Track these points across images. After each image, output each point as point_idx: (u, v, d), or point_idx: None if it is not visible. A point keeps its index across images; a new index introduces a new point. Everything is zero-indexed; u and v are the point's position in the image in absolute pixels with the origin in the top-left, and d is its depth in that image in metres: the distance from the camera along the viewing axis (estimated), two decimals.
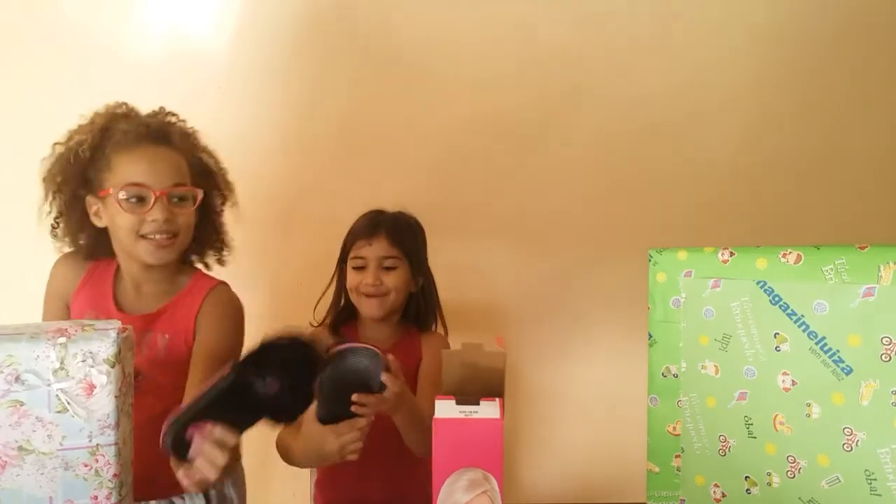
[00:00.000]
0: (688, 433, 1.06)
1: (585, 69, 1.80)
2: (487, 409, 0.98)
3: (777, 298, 0.96)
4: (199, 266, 1.34)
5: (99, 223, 1.22)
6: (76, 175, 1.20)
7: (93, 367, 0.90)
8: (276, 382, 0.92)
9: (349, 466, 1.11)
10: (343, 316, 1.40)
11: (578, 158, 1.81)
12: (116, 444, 0.93)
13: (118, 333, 0.93)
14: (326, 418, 1.07)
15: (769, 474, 0.97)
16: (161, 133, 1.21)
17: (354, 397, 1.04)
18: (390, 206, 1.40)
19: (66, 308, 1.26)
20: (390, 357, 1.08)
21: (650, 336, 1.10)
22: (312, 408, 1.06)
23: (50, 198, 1.23)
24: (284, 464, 1.24)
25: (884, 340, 0.87)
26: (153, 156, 1.18)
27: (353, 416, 1.07)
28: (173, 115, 1.27)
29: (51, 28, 1.72)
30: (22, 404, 0.89)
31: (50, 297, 1.29)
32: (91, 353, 0.90)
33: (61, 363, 0.90)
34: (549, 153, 1.81)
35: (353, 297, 1.36)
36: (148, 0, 1.74)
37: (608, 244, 1.82)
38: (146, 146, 1.18)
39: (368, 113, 1.78)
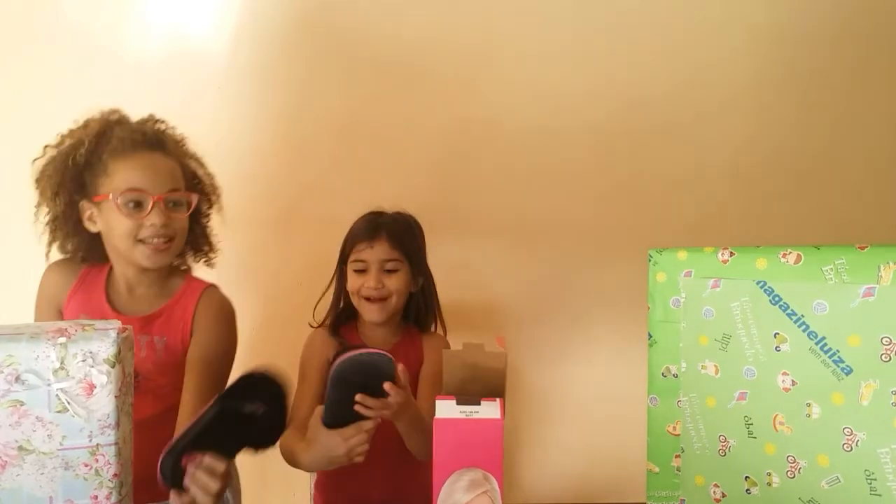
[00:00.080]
0: (688, 433, 1.06)
1: (585, 69, 1.80)
2: (488, 410, 0.98)
3: (777, 298, 0.96)
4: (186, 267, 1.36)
5: (93, 227, 1.23)
6: (72, 179, 1.21)
7: (93, 366, 0.90)
8: (260, 406, 0.98)
9: (349, 467, 1.11)
10: (343, 317, 1.40)
11: (578, 158, 1.81)
12: (116, 443, 0.93)
13: (118, 333, 0.93)
14: (333, 422, 1.08)
15: (769, 474, 0.97)
16: (156, 140, 1.24)
17: (358, 397, 1.05)
18: (390, 205, 1.40)
19: (58, 315, 1.27)
20: (401, 367, 1.08)
21: (650, 336, 1.10)
22: (318, 413, 1.09)
23: (44, 201, 1.24)
24: (284, 464, 1.25)
25: (884, 340, 0.87)
26: (150, 162, 1.21)
27: (359, 419, 1.07)
28: (162, 121, 1.30)
29: (51, 28, 1.72)
30: (22, 404, 0.89)
31: (41, 305, 1.29)
32: (91, 352, 0.91)
33: (61, 363, 0.90)
34: (549, 153, 1.81)
35: (355, 300, 1.36)
36: (148, 0, 1.74)
37: (608, 244, 1.82)
38: (143, 152, 1.21)
39: (368, 113, 1.78)
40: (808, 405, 0.93)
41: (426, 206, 1.44)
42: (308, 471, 1.27)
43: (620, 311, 1.77)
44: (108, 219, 1.20)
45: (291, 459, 1.21)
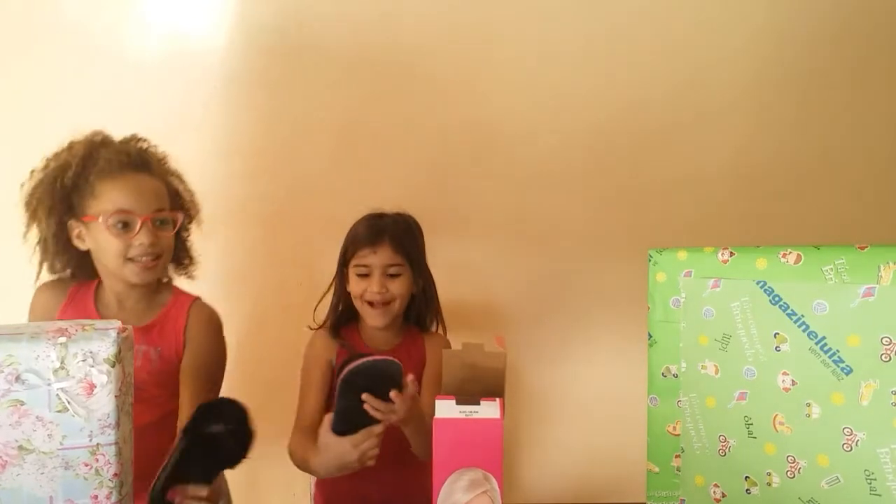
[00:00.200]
0: (688, 433, 1.06)
1: (585, 69, 1.80)
2: (488, 409, 0.98)
3: (777, 298, 0.96)
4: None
5: (82, 246, 1.26)
6: (61, 201, 1.23)
7: (93, 366, 0.91)
8: (222, 426, 1.02)
9: None
10: (344, 318, 1.40)
11: (578, 158, 1.81)
12: (117, 443, 0.93)
13: (118, 333, 0.93)
14: (342, 429, 1.10)
15: (769, 474, 0.97)
16: (141, 161, 1.26)
17: (364, 396, 1.06)
18: (390, 206, 1.40)
19: None
20: (410, 377, 1.10)
21: (650, 336, 1.10)
22: (328, 420, 1.11)
23: (35, 224, 1.26)
24: (283, 464, 1.25)
25: (884, 340, 0.87)
26: (136, 183, 1.23)
27: (368, 424, 1.09)
28: (145, 140, 1.32)
29: (51, 28, 1.72)
30: (22, 404, 0.89)
31: None
32: (91, 352, 0.91)
33: (61, 363, 0.90)
34: (549, 153, 1.81)
35: (357, 304, 1.36)
36: (148, 0, 1.74)
37: (608, 244, 1.82)
38: (129, 174, 1.23)
39: (368, 113, 1.78)
40: (808, 405, 0.93)
41: (426, 206, 1.44)
42: (321, 477, 1.28)
43: (620, 311, 1.76)
44: (98, 238, 1.23)
45: (304, 466, 1.22)
